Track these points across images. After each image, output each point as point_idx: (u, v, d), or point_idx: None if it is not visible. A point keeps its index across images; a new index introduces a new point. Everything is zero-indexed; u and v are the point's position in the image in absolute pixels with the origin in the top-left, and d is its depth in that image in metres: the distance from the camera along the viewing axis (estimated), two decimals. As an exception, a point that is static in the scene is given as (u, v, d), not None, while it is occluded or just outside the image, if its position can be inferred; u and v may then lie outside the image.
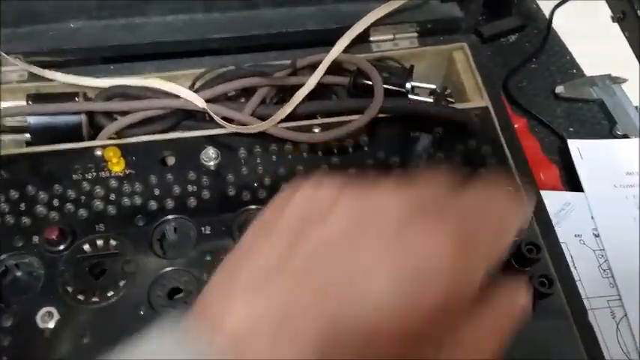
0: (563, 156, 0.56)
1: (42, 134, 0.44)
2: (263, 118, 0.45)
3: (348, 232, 0.22)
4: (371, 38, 0.51)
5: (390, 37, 0.51)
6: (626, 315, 0.45)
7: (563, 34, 0.68)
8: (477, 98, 0.48)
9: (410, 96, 0.47)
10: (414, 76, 0.49)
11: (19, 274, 0.40)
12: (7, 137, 0.46)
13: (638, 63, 0.66)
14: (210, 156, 0.43)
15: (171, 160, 0.44)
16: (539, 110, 0.61)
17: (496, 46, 0.67)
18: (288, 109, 0.45)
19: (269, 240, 0.23)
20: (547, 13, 0.70)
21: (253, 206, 0.42)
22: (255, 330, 0.21)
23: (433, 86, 0.49)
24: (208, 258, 0.40)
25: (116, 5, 0.50)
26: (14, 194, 0.42)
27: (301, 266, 0.22)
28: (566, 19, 0.69)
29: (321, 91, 0.49)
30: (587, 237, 0.49)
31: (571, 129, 0.60)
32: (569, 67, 0.65)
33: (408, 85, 0.46)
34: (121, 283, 0.39)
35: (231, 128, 0.45)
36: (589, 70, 0.65)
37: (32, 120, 0.44)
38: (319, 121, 0.46)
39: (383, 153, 0.45)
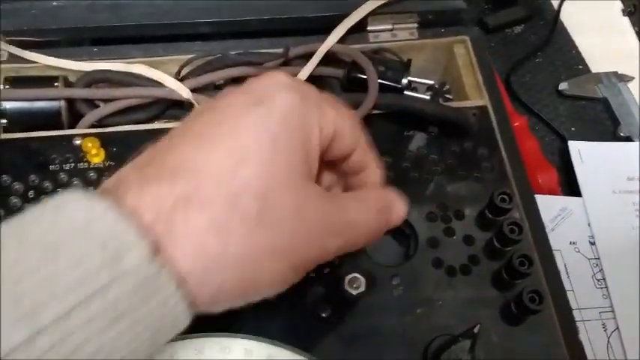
0: (563, 157, 0.54)
1: (19, 120, 0.42)
2: (252, 110, 0.43)
3: None
4: (369, 28, 0.48)
5: (389, 27, 0.48)
6: (617, 328, 0.44)
7: (571, 26, 0.65)
8: (476, 96, 0.46)
9: (406, 92, 0.44)
10: (412, 69, 0.47)
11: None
12: (-17, 122, 0.44)
13: (646, 59, 0.64)
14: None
15: (154, 151, 0.42)
16: (541, 107, 0.58)
17: (501, 37, 0.64)
18: (277, 102, 0.43)
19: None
20: (555, 4, 0.67)
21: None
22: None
23: (431, 82, 0.46)
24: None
25: (102, -17, 0.47)
26: (-13, 183, 0.40)
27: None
28: (575, 11, 0.66)
29: (315, 83, 0.46)
30: (583, 245, 0.47)
31: (573, 129, 0.57)
32: (575, 62, 0.62)
33: (405, 81, 0.44)
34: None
35: (217, 120, 0.42)
36: (596, 66, 0.62)
37: (8, 105, 0.42)
38: (310, 115, 0.44)
39: (376, 152, 0.42)
